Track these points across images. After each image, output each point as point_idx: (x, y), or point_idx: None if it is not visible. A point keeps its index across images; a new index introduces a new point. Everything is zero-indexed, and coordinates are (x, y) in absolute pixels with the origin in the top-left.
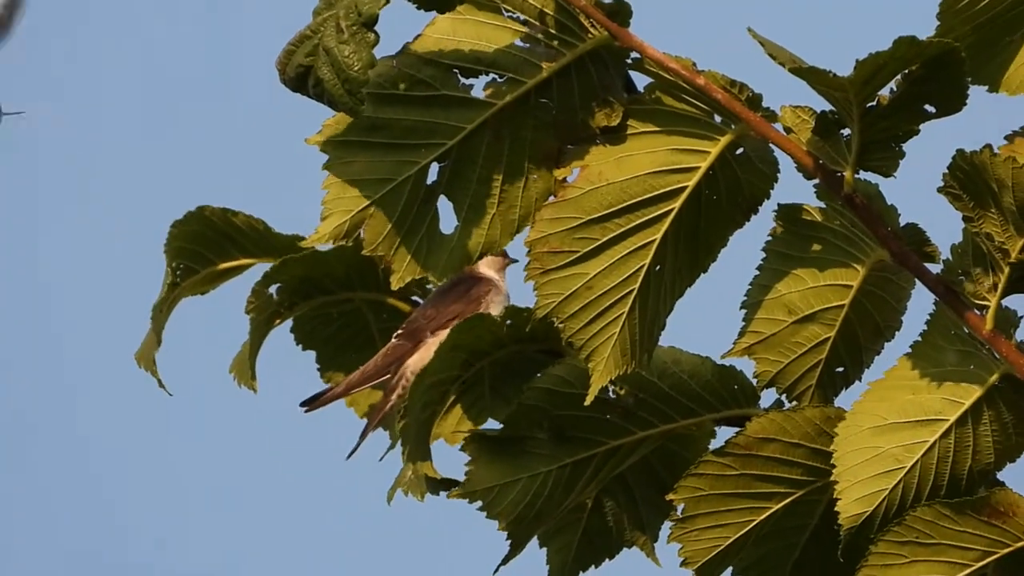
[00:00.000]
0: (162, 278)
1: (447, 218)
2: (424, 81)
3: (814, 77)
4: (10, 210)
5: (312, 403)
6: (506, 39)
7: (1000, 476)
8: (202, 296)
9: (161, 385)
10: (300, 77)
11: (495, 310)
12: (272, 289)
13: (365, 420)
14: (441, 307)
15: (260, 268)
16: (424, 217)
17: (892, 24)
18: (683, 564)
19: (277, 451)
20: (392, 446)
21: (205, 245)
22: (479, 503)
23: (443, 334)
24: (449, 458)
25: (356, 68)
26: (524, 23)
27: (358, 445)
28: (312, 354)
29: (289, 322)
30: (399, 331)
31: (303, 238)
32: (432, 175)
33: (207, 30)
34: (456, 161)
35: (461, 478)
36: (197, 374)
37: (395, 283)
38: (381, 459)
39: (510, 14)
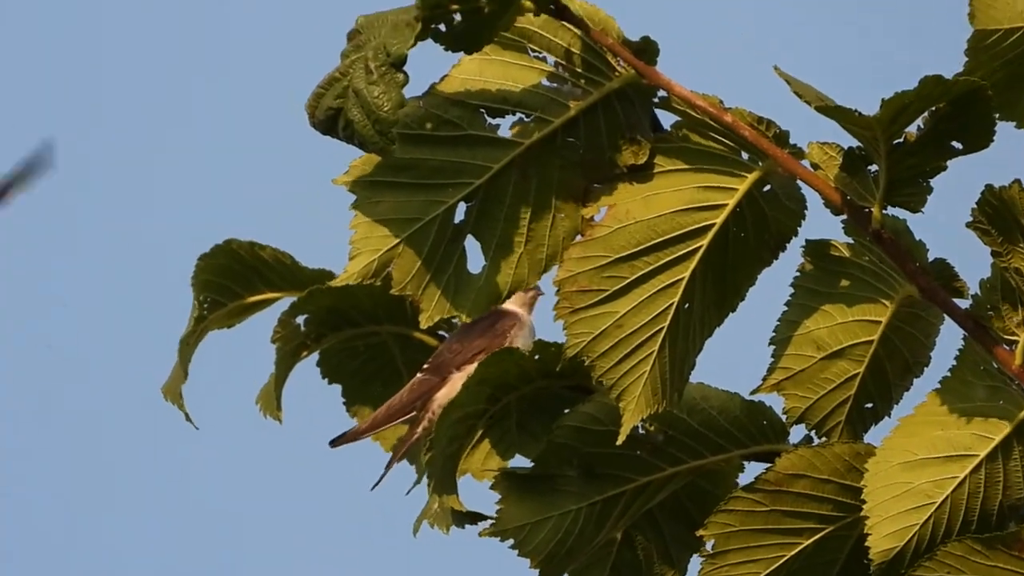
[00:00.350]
0: (189, 311)
1: (474, 257)
2: (451, 121)
3: (841, 116)
4: (38, 237)
5: (339, 440)
6: (532, 79)
7: None
8: (228, 330)
9: (188, 419)
10: (330, 119)
11: (520, 344)
12: (300, 320)
13: (391, 453)
14: (466, 342)
15: (287, 302)
16: (452, 256)
17: (920, 65)
18: None
19: (303, 483)
20: (419, 480)
21: (232, 279)
22: (511, 541)
23: (469, 368)
24: (476, 493)
25: (386, 108)
26: (550, 62)
27: (383, 476)
28: (338, 388)
29: (315, 356)
30: (425, 366)
31: (330, 272)
32: (459, 214)
33: (238, 68)
34: (483, 200)
35: (487, 512)
36: (224, 407)
37: (424, 322)
38: (408, 493)
39: (536, 54)
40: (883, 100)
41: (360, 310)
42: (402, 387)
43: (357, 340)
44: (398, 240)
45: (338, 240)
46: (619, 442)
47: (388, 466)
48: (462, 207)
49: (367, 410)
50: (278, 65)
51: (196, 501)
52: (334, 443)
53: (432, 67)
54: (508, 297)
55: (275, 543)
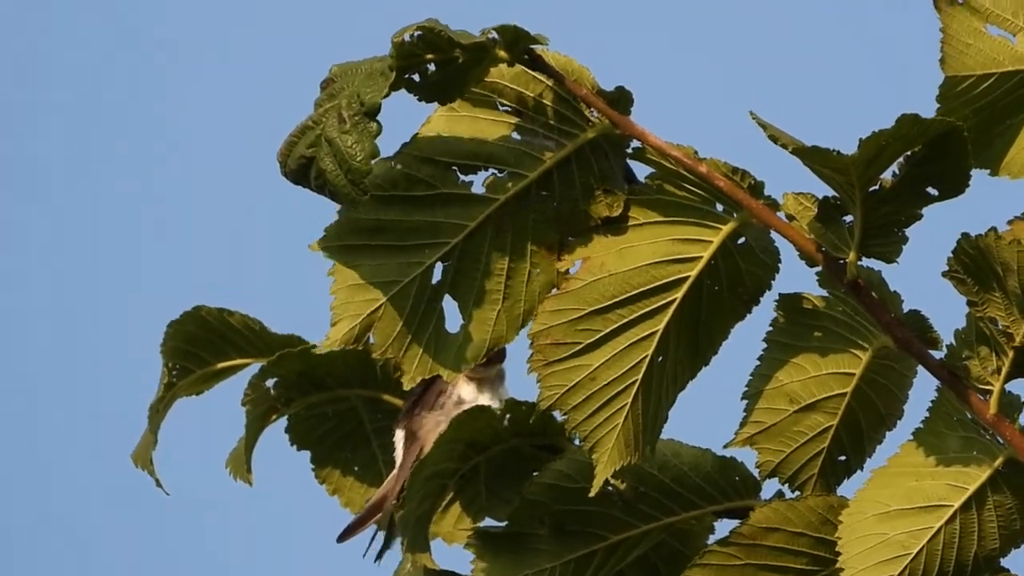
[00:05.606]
0: (158, 378)
1: (452, 315)
2: (423, 180)
3: (817, 157)
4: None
5: (346, 534)
6: (502, 133)
7: (1005, 562)
8: (197, 396)
9: (159, 484)
10: (302, 169)
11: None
12: (269, 383)
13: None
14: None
15: (256, 367)
16: (431, 316)
17: (892, 111)
18: None
19: (273, 544)
20: (388, 542)
21: (201, 345)
22: None
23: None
24: (446, 555)
25: (359, 158)
26: (521, 115)
27: (383, 547)
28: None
29: (283, 422)
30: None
31: (299, 338)
32: (436, 274)
33: (202, 127)
34: (460, 259)
35: (460, 570)
36: (194, 473)
37: (407, 384)
38: (376, 558)
39: (505, 108)
40: (860, 140)
41: (331, 374)
42: (371, 452)
43: (326, 406)
44: (378, 304)
45: (308, 306)
46: (592, 494)
47: (359, 527)
48: (439, 267)
49: (336, 474)
50: (247, 123)
51: (168, 562)
52: (341, 539)
53: (403, 122)
54: (488, 353)
55: None
